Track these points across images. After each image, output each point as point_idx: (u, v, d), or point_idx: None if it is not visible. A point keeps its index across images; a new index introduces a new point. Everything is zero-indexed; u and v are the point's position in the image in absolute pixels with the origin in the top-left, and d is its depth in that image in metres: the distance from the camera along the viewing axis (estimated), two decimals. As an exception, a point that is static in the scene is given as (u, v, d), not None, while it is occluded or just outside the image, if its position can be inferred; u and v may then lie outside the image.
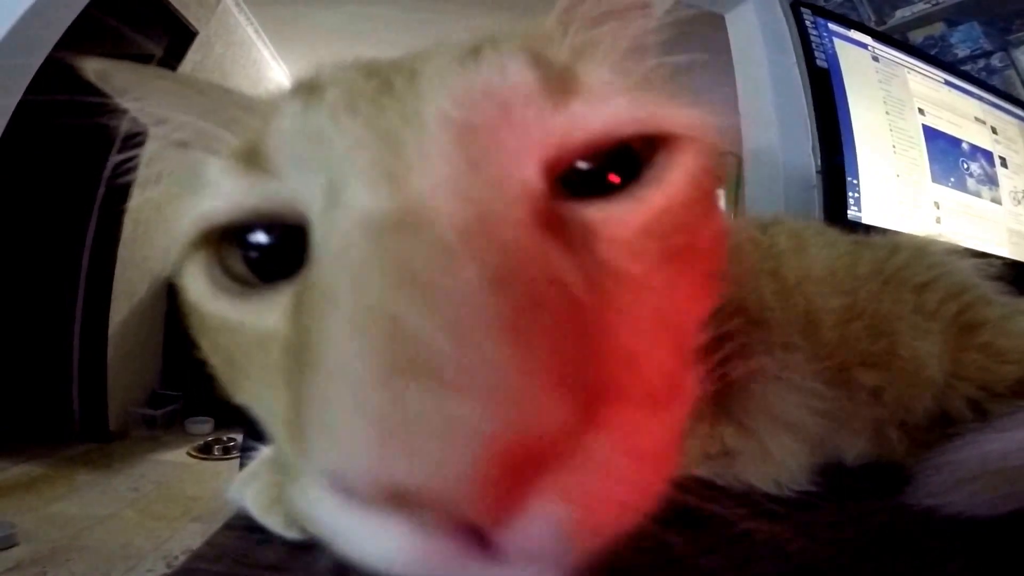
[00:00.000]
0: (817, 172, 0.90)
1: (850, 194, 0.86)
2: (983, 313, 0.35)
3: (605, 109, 0.16)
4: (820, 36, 0.93)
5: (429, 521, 0.11)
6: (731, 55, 1.06)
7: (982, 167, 1.04)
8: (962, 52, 1.64)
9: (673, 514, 0.14)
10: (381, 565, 0.12)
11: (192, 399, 2.17)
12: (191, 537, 1.32)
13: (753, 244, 0.37)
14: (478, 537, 0.11)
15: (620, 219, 0.16)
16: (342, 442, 0.11)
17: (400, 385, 0.10)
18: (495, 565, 0.12)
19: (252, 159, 0.17)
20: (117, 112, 0.22)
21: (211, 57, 2.15)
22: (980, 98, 1.09)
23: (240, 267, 0.17)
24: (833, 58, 0.92)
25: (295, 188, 0.16)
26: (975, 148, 1.03)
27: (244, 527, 0.25)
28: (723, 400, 0.28)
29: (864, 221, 0.86)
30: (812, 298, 0.35)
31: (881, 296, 0.35)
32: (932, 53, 1.53)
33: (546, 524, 0.12)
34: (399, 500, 0.11)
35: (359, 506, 0.12)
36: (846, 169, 0.86)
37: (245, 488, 0.26)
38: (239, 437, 1.68)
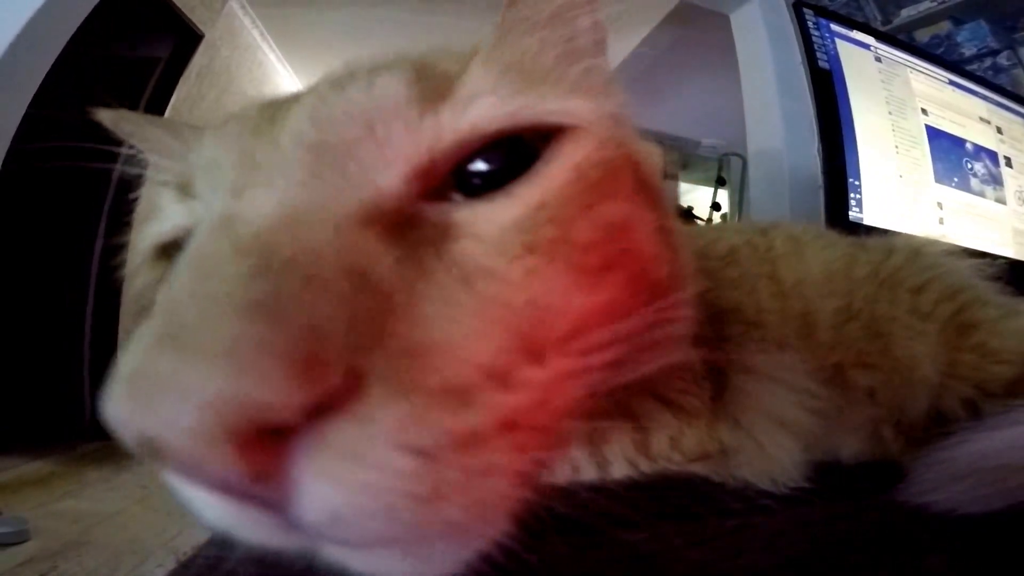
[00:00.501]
0: (823, 173, 0.91)
1: (852, 195, 0.86)
2: (978, 314, 0.35)
3: (472, 110, 0.18)
4: (822, 37, 0.93)
5: (210, 481, 0.13)
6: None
7: (986, 167, 1.03)
8: (968, 51, 1.63)
9: (668, 508, 0.14)
10: (220, 528, 0.14)
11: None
12: (200, 534, 1.33)
13: (751, 247, 0.38)
14: (275, 507, 0.13)
15: (489, 217, 0.17)
16: (111, 396, 0.13)
17: (156, 351, 0.12)
18: (302, 536, 0.13)
19: (185, 187, 0.20)
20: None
21: (218, 60, 2.16)
22: (985, 97, 1.09)
23: None
24: (835, 59, 0.92)
25: (207, 207, 0.18)
26: (979, 148, 1.03)
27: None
28: (721, 399, 0.29)
29: (866, 222, 0.86)
30: (809, 300, 0.35)
31: (877, 298, 0.36)
32: (938, 52, 1.53)
33: (317, 502, 0.13)
34: (150, 449, 0.12)
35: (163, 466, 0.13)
36: (848, 170, 0.86)
37: None
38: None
